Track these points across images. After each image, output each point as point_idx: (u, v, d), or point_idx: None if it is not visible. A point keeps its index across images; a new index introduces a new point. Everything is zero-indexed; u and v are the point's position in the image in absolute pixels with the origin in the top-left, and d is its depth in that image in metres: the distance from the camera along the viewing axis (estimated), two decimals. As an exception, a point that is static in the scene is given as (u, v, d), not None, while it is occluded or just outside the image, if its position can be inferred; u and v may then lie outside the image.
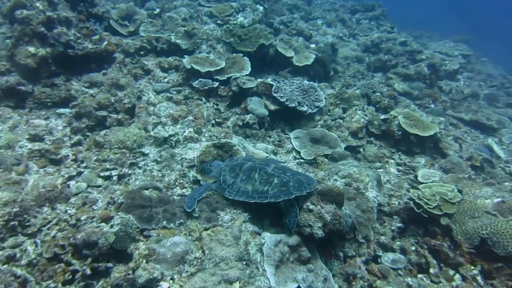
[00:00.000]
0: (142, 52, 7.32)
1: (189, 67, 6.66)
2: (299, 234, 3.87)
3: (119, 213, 3.91)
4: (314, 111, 6.31)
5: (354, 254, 4.34)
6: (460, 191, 5.13)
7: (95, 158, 4.93)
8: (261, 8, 9.53)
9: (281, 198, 3.85)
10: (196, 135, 5.46)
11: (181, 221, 3.89)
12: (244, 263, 3.45)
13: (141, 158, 5.23)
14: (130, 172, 4.96)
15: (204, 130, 5.55)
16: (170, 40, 7.55)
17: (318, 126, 6.38)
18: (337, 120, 6.61)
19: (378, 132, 6.64)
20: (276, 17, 10.37)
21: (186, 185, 4.87)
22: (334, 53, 9.73)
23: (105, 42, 6.55)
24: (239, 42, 7.46)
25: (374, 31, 12.45)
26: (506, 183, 6.73)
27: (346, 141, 6.32)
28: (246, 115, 5.89)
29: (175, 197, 4.49)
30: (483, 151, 7.63)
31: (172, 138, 5.40)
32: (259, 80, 6.53)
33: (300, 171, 5.18)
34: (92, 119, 5.43)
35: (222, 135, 5.44)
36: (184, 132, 5.51)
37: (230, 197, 4.05)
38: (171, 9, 8.99)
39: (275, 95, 6.07)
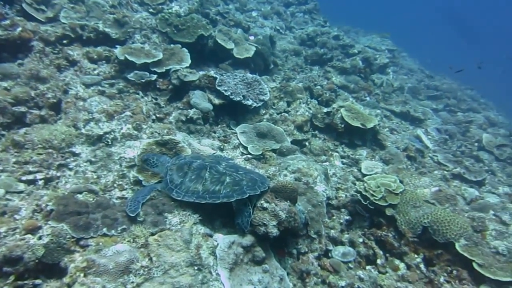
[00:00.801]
0: (65, 41, 6.62)
1: (122, 58, 6.20)
2: (253, 234, 3.80)
3: (49, 222, 3.49)
4: (259, 104, 6.28)
5: (306, 250, 4.39)
6: (401, 182, 5.44)
7: (14, 160, 4.34)
8: (196, -3, 9.24)
9: (234, 198, 3.73)
10: (135, 132, 5.10)
11: (124, 226, 3.59)
12: (196, 268, 3.30)
13: (72, 159, 4.74)
14: (59, 174, 4.47)
15: (145, 127, 5.21)
16: (97, 29, 6.94)
17: (264, 120, 6.37)
18: (283, 113, 6.66)
19: (322, 125, 6.83)
20: (212, 8, 10.14)
21: (126, 186, 4.54)
22: (273, 45, 9.81)
23: (19, 29, 5.81)
24: (176, 32, 7.13)
25: (309, 25, 12.85)
26: (436, 172, 7.42)
27: (292, 135, 6.40)
28: (189, 110, 5.65)
29: (115, 200, 4.15)
30: (415, 141, 8.33)
31: (108, 135, 4.98)
32: (201, 72, 6.31)
33: (249, 168, 5.11)
34: (8, 116, 4.77)
35: (165, 131, 5.15)
36: (122, 129, 5.11)
37: (179, 198, 3.84)
38: (96, -5, 8.28)
39: (219, 88, 5.92)
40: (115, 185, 4.51)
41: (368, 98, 9.37)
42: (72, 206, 3.65)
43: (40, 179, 4.22)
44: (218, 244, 3.63)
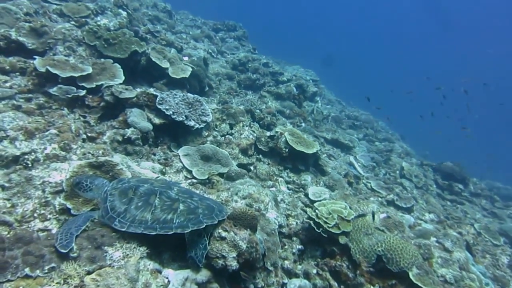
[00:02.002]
0: (-34, 49, 5.75)
1: (43, 70, 5.52)
2: (208, 268, 3.47)
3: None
4: (201, 126, 6.02)
5: (263, 285, 4.10)
6: (351, 208, 5.52)
7: None
8: (124, 13, 8.84)
9: (190, 229, 3.38)
10: (63, 153, 4.47)
11: (53, 265, 3.01)
12: (146, 312, 2.90)
13: (-21, 184, 3.96)
14: None
15: (75, 147, 4.60)
16: (9, 37, 6.15)
17: (208, 142, 6.11)
18: (227, 136, 6.48)
19: (266, 149, 6.77)
20: (141, 26, 9.79)
21: (49, 216, 3.91)
22: (206, 68, 9.75)
23: None
24: (107, 46, 6.63)
25: (240, 50, 13.12)
26: (372, 198, 7.84)
27: (237, 158, 6.21)
28: (126, 129, 5.17)
29: (40, 233, 3.52)
30: (349, 168, 8.77)
31: (27, 157, 4.28)
32: (139, 89, 5.90)
33: (202, 194, 4.78)
34: None
35: (100, 152, 4.61)
36: (45, 149, 4.44)
37: (122, 229, 3.34)
38: (5, 1, 7.43)
39: (159, 107, 5.56)
40: (35, 214, 3.87)
41: (303, 124, 9.72)
42: (-17, 242, 2.99)
43: None
44: (169, 281, 3.24)
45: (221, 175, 5.46)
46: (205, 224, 3.44)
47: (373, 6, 67.02)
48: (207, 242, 3.50)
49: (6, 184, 4.01)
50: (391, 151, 12.21)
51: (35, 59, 5.79)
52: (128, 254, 3.29)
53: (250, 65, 11.83)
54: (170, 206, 3.53)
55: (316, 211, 5.08)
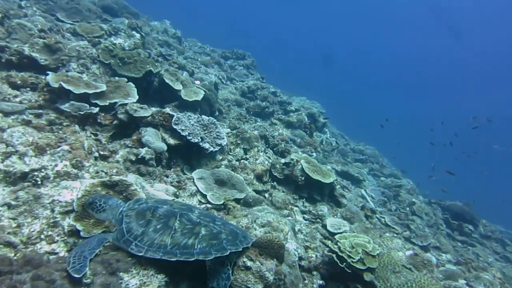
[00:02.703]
0: (-23, 62, 5.67)
1: (56, 85, 5.40)
2: (232, 301, 3.17)
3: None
4: (216, 149, 5.83)
5: None
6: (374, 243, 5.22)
7: None
8: (137, 35, 8.91)
9: (212, 255, 3.11)
10: (74, 171, 4.25)
11: (64, 292, 2.75)
12: None
13: (-17, 202, 3.72)
14: None
15: (87, 164, 4.39)
16: (22, 52, 6.09)
17: (222, 166, 5.89)
18: (242, 161, 6.28)
19: (281, 177, 6.53)
20: (153, 49, 9.83)
21: (57, 238, 3.69)
22: (217, 93, 9.71)
23: None
24: (122, 65, 6.57)
25: (250, 78, 13.18)
26: (387, 234, 7.53)
27: (252, 184, 5.97)
28: (140, 149, 4.98)
29: (51, 256, 3.25)
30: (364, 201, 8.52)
31: (36, 173, 4.05)
32: (154, 109, 5.76)
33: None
34: None
35: (114, 171, 4.39)
36: (56, 165, 4.22)
37: (139, 254, 3.06)
38: (20, 17, 7.46)
39: (175, 127, 5.39)
40: (42, 236, 3.65)
41: (314, 154, 9.56)
42: (-10, 263, 2.73)
43: None
44: (188, 315, 2.97)
45: (237, 201, 5.21)
46: (229, 251, 3.19)
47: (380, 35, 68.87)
48: (231, 272, 3.23)
49: (13, 202, 3.78)
50: (400, 186, 11.97)
51: (47, 74, 5.69)
52: (145, 282, 3.01)
53: (259, 93, 11.82)
54: (191, 230, 3.27)
55: (338, 244, 4.77)
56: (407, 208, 10.13)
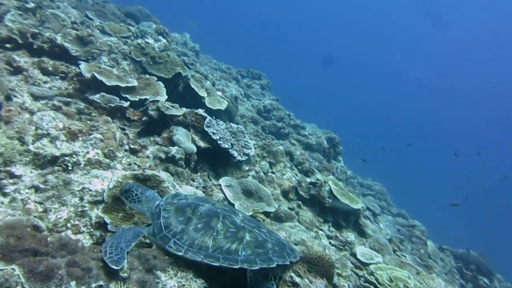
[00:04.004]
0: (9, 45, 5.59)
1: (88, 75, 5.31)
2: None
3: (-12, 261, 2.34)
4: (243, 158, 5.68)
5: None
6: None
7: None
8: (164, 40, 8.94)
9: (258, 266, 2.88)
10: (106, 160, 4.09)
11: (101, 283, 2.51)
12: None
13: (10, 181, 3.55)
14: None
15: (120, 155, 4.23)
16: (54, 41, 6.03)
17: (250, 177, 5.71)
18: (269, 174, 6.10)
19: (307, 196, 6.29)
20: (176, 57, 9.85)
21: (83, 229, 3.50)
22: (236, 107, 9.67)
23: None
24: (152, 64, 6.52)
25: (266, 97, 13.19)
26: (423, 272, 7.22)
27: (278, 200, 5.75)
28: (171, 147, 4.83)
29: (84, 242, 3.06)
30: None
31: (67, 158, 3.89)
32: (185, 109, 5.66)
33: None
34: None
35: (147, 165, 4.23)
36: (88, 153, 4.06)
37: (178, 253, 2.84)
38: (53, 8, 7.47)
39: (207, 129, 5.26)
40: (68, 224, 3.45)
41: (330, 180, 9.40)
42: (29, 241, 2.53)
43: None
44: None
45: (266, 214, 5.00)
46: (276, 263, 2.95)
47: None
48: (275, 287, 3.00)
49: (41, 186, 3.61)
50: (413, 227, 11.68)
51: (79, 64, 5.62)
52: (184, 285, 2.77)
53: (275, 113, 11.78)
54: (234, 234, 3.04)
55: (375, 275, 4.53)
56: (421, 250, 9.85)
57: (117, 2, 11.96)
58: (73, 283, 2.44)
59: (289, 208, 5.74)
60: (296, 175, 6.71)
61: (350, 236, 5.93)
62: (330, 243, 5.65)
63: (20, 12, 6.59)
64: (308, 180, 6.55)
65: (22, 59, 5.43)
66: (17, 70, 5.21)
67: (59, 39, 6.14)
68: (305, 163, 7.43)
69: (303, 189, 6.31)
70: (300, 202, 6.19)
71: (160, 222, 3.06)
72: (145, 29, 8.83)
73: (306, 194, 6.27)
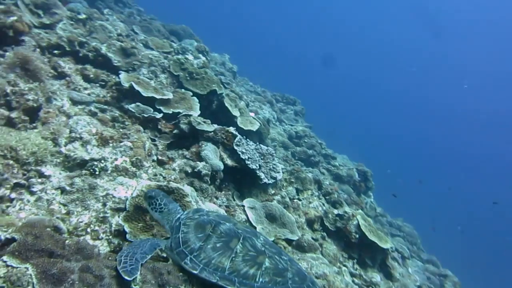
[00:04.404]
0: (56, 52, 5.87)
1: (126, 85, 5.46)
2: None
3: (4, 257, 2.32)
4: (270, 181, 5.57)
5: None
6: None
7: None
8: (203, 58, 9.13)
9: None
10: (133, 169, 4.11)
11: (110, 293, 2.47)
12: None
13: (38, 180, 3.61)
14: (13, 196, 3.33)
15: (147, 165, 4.25)
16: (99, 50, 6.29)
17: (275, 201, 5.57)
18: (295, 200, 5.94)
19: (333, 229, 6.04)
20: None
21: (102, 235, 3.48)
22: (269, 129, 9.63)
23: (14, 17, 5.04)
24: (189, 79, 6.64)
25: (299, 123, 13.12)
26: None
27: (302, 229, 5.55)
28: (198, 162, 4.82)
29: (100, 249, 3.02)
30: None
31: (96, 163, 3.94)
32: (217, 125, 5.67)
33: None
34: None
35: (172, 177, 4.21)
36: (116, 159, 4.10)
37: (194, 272, 2.74)
38: (102, 20, 7.85)
39: (236, 148, 5.23)
40: (88, 229, 3.43)
41: (359, 214, 9.05)
42: (47, 241, 2.52)
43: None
44: None
45: (288, 241, 4.82)
46: None
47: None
48: None
49: (68, 188, 3.65)
50: (445, 277, 10.96)
51: (120, 74, 5.80)
52: (197, 307, 2.67)
53: (306, 140, 11.65)
54: (253, 258, 2.89)
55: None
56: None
57: (164, 20, 12.51)
58: (83, 289, 2.39)
59: (313, 239, 5.50)
60: (323, 205, 6.47)
61: (376, 276, 5.60)
62: (353, 281, 5.36)
63: (72, 22, 6.97)
64: (336, 211, 6.28)
65: (67, 65, 5.67)
66: (60, 75, 5.43)
67: (104, 49, 6.39)
68: (334, 193, 7.17)
69: (329, 221, 6.05)
70: (325, 234, 5.93)
71: (178, 236, 2.98)
72: (186, 46, 9.07)
73: (332, 226, 6.00)
